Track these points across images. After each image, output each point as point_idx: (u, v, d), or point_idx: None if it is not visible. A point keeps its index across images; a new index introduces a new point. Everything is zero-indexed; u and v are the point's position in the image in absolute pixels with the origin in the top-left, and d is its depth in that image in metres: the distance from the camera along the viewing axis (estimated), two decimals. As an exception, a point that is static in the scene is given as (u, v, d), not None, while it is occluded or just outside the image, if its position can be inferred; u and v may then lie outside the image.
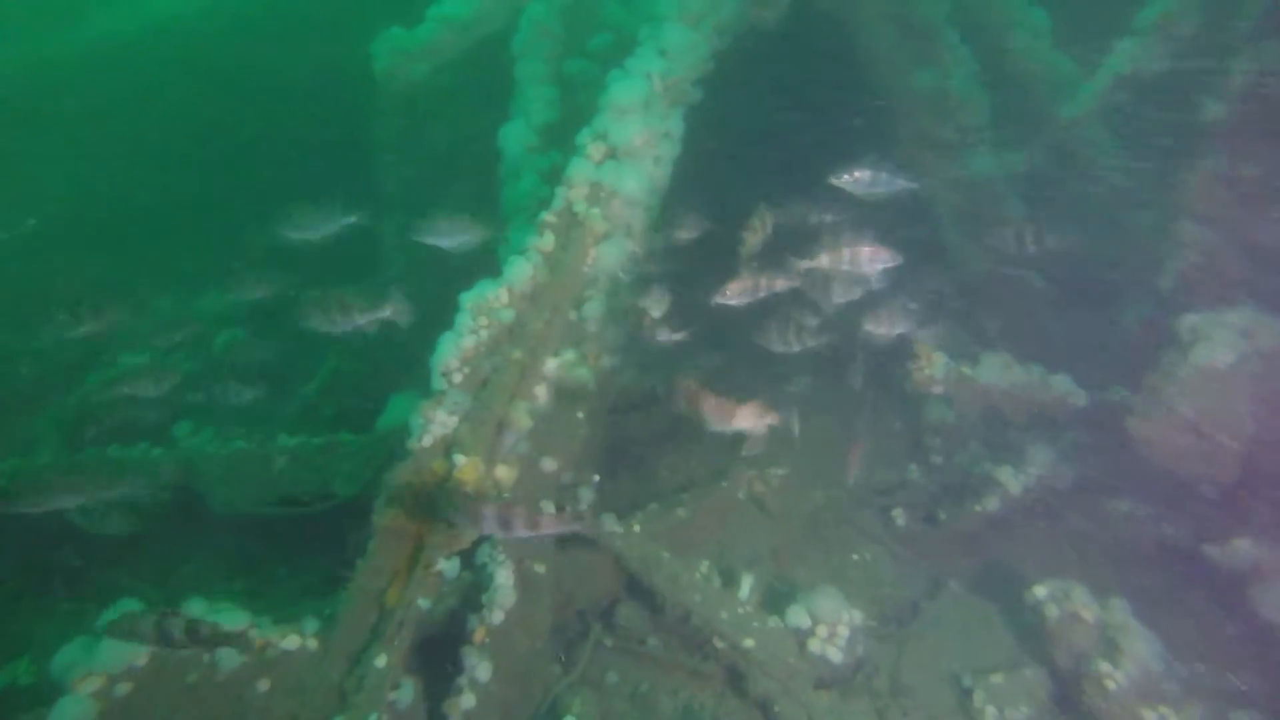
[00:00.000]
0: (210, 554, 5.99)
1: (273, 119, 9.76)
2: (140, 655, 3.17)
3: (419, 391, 5.54)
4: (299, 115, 9.45)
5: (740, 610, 4.06)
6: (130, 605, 3.30)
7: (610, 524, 4.64)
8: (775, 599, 4.20)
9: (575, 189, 4.40)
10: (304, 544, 5.50)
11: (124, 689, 3.13)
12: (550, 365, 4.06)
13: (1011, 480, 4.50)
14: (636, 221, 4.53)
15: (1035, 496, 4.54)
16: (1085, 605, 3.62)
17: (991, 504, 4.51)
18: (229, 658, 3.26)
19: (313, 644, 3.46)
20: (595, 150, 4.51)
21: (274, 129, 9.68)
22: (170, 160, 9.90)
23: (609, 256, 4.35)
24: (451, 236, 5.37)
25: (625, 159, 4.49)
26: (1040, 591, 3.79)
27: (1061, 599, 3.68)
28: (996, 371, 4.49)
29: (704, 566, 4.39)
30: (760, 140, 6.13)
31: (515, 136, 5.79)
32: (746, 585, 4.20)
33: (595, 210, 4.33)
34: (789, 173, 5.47)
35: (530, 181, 5.55)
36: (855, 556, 4.75)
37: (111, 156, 10.55)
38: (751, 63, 5.42)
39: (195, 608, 3.37)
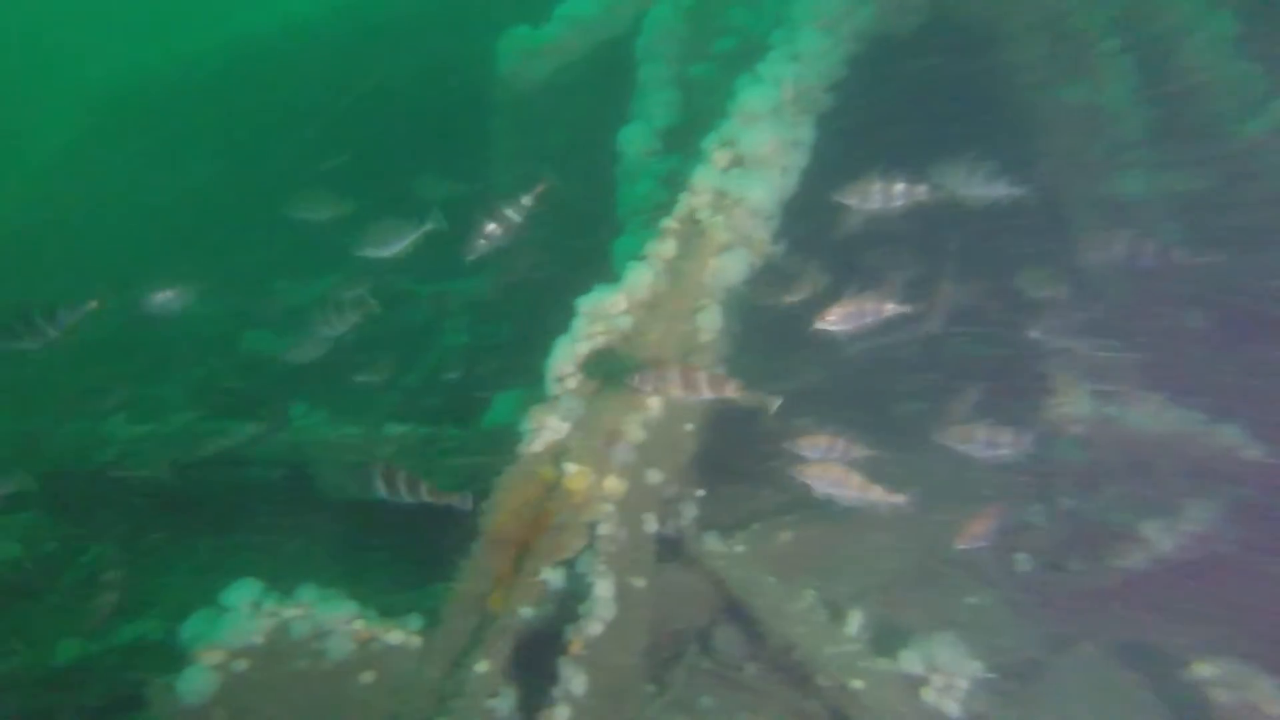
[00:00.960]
0: (314, 533, 6.20)
1: (392, 118, 10.09)
2: (258, 634, 3.24)
3: (524, 390, 5.57)
4: (418, 115, 9.73)
5: (848, 648, 3.84)
6: (250, 585, 3.37)
7: (712, 543, 4.50)
8: (886, 639, 3.95)
9: (699, 196, 4.27)
10: (403, 533, 5.61)
11: (242, 665, 3.20)
12: (667, 377, 3.94)
13: (1161, 536, 4.08)
14: (759, 232, 4.37)
15: (1190, 557, 4.09)
16: (1270, 698, 3.20)
17: (1134, 559, 4.10)
18: (338, 647, 3.29)
19: (415, 641, 3.46)
20: (721, 157, 4.38)
21: (392, 128, 10.00)
22: (295, 154, 10.39)
23: (729, 268, 4.20)
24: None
25: (752, 167, 4.33)
26: (1205, 671, 3.38)
27: (1236, 685, 3.27)
28: (1149, 416, 4.09)
29: (809, 596, 4.19)
30: (887, 154, 5.86)
31: (635, 139, 5.72)
32: (855, 621, 3.97)
33: (719, 219, 4.19)
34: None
35: (648, 185, 5.47)
36: (970, 600, 4.43)
37: (241, 148, 11.18)
38: (883, 73, 5.17)
39: (307, 594, 3.41)
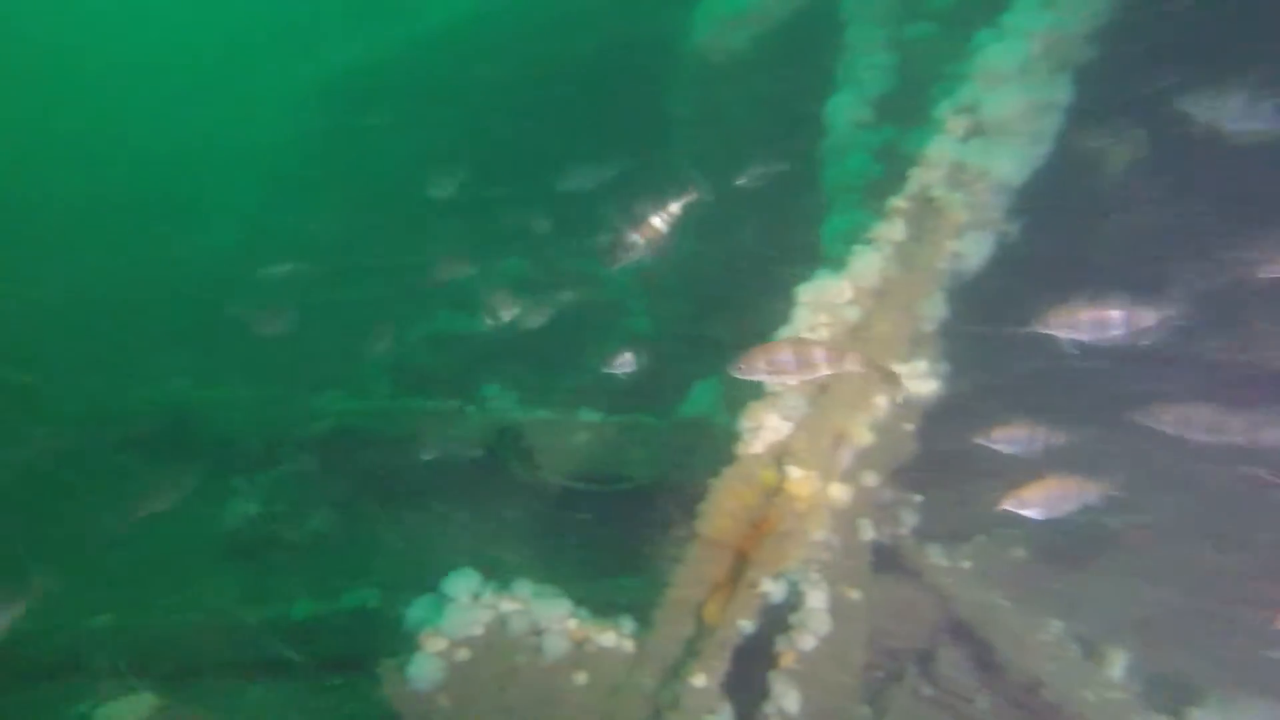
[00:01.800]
0: (506, 514, 6.37)
1: (573, 98, 10.16)
2: (478, 626, 3.25)
3: (722, 381, 5.34)
4: (598, 93, 9.72)
5: (1114, 695, 3.31)
6: (470, 576, 3.39)
7: (935, 556, 4.08)
8: (1160, 690, 3.38)
9: (932, 170, 3.80)
10: (595, 520, 5.61)
11: (463, 655, 3.22)
12: (899, 373, 3.55)
13: None
14: (1000, 210, 3.84)
15: None
16: None
17: None
18: (555, 645, 3.24)
19: (629, 645, 3.35)
20: (958, 125, 3.87)
21: (573, 107, 10.06)
22: (486, 139, 10.76)
23: (970, 252, 3.72)
24: None
25: (996, 136, 3.80)
26: None
27: None
28: None
29: (1055, 626, 3.67)
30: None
31: (843, 109, 5.27)
32: (1119, 664, 3.42)
33: (957, 196, 3.71)
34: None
35: (860, 160, 5.02)
36: (1274, 655, 3.70)
37: (437, 134, 11.73)
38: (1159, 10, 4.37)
39: (523, 589, 3.39)
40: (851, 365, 3.04)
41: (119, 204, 15.97)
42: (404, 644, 3.57)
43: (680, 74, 7.43)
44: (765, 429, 3.45)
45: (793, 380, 3.36)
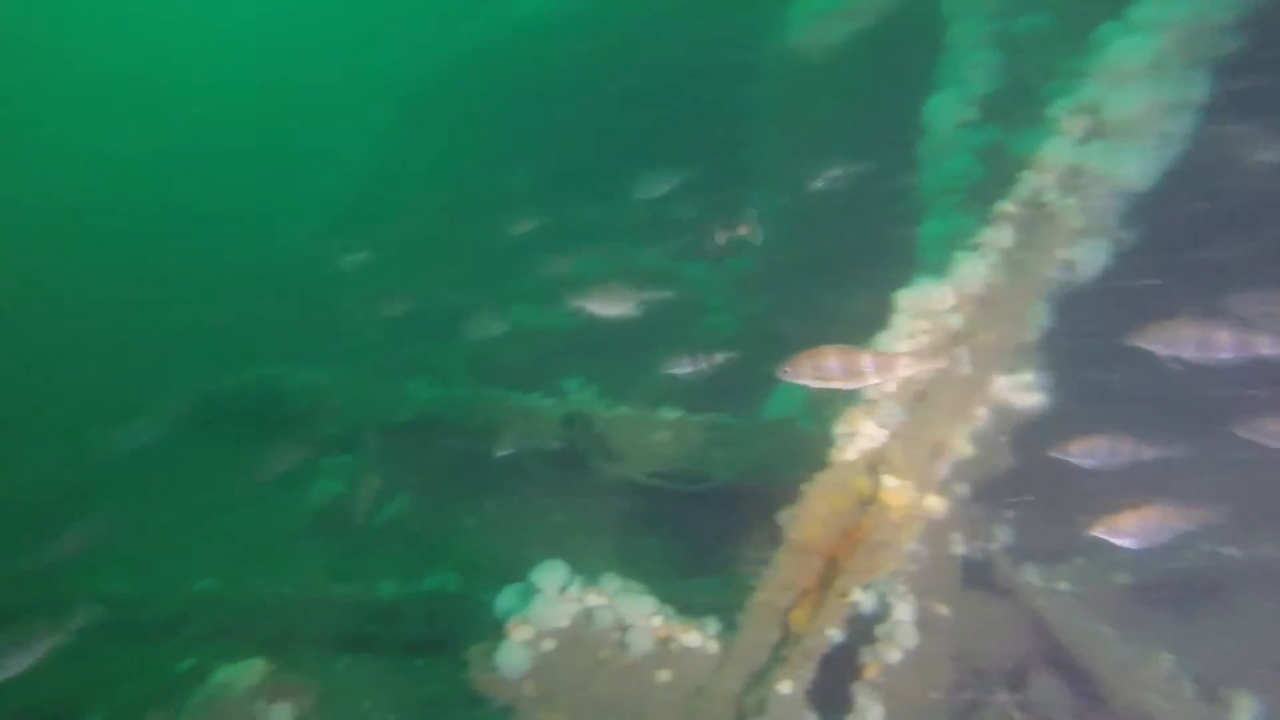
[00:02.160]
0: (583, 507, 6.43)
1: (660, 94, 10.16)
2: (565, 618, 3.28)
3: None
4: (686, 90, 9.71)
5: (1233, 739, 3.11)
6: (557, 568, 3.43)
7: (1030, 575, 3.91)
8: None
9: (1045, 173, 3.63)
10: (675, 518, 5.61)
11: (549, 646, 3.26)
12: (1001, 385, 3.42)
13: None
14: (1119, 216, 3.64)
15: None
16: None
17: None
18: (639, 642, 3.24)
19: (713, 646, 3.33)
20: (1075, 125, 3.69)
21: (660, 104, 10.07)
22: (571, 135, 10.90)
23: (1084, 260, 3.54)
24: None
25: (1119, 137, 3.60)
26: None
27: None
28: None
29: (1165, 661, 3.47)
30: None
31: (945, 109, 5.10)
32: (1246, 709, 3.20)
33: (1072, 201, 3.54)
34: None
35: (961, 161, 4.85)
36: None
37: (520, 125, 11.95)
38: None
39: (609, 584, 3.41)
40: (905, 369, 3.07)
41: (224, 199, 16.90)
42: (489, 631, 3.64)
43: (771, 71, 7.34)
44: (860, 435, 3.37)
45: (881, 386, 3.32)
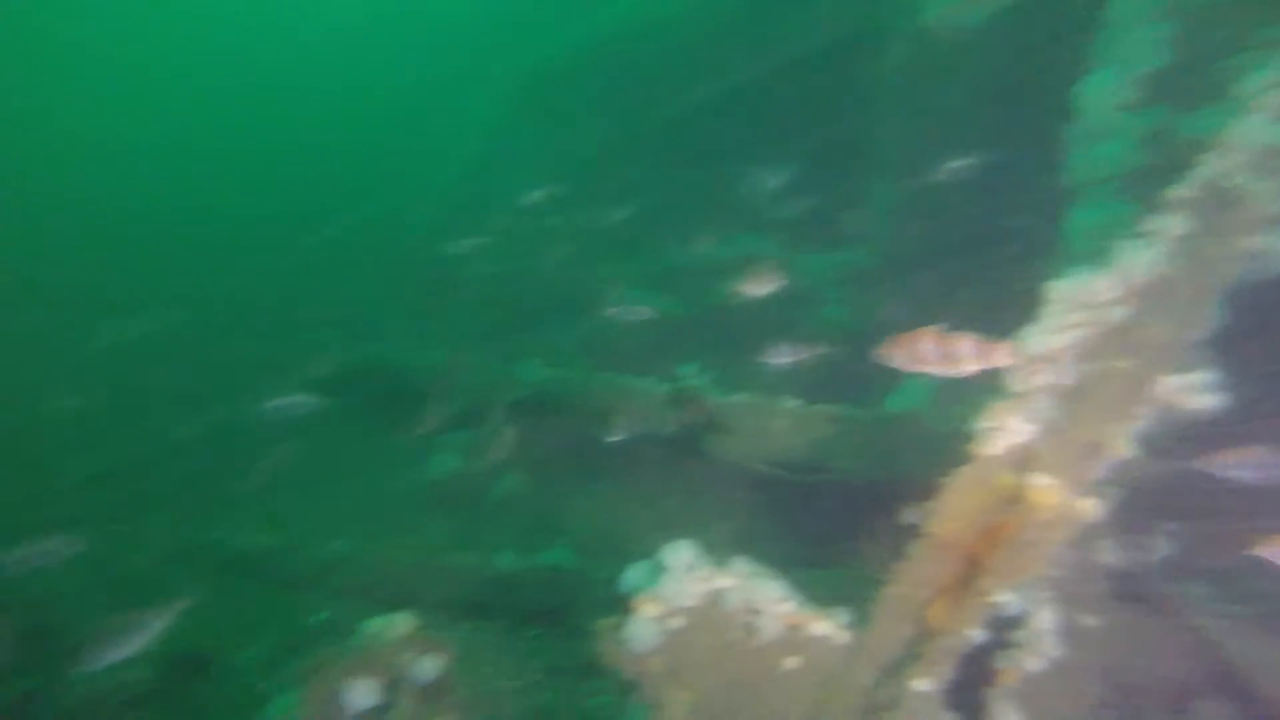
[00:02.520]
0: (694, 495, 6.44)
1: (785, 79, 9.99)
2: (693, 597, 3.29)
3: (934, 377, 5.06)
4: (812, 75, 9.50)
5: None
6: (686, 546, 3.44)
7: (1195, 592, 3.63)
8: None
9: (1232, 155, 3.34)
10: (791, 509, 5.54)
11: (677, 623, 3.28)
12: (1168, 384, 3.18)
13: None
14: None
15: None
16: None
17: None
18: (769, 627, 3.22)
19: (843, 637, 3.26)
20: (1271, 102, 3.37)
21: (784, 90, 9.90)
22: (688, 117, 10.88)
23: (1273, 249, 3.24)
24: None
25: (1321, 115, 3.27)
26: None
27: None
28: None
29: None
30: None
31: (1101, 90, 4.77)
32: None
33: (1264, 185, 3.23)
34: None
35: (1118, 145, 4.52)
36: None
37: (643, 110, 12.01)
38: None
39: (740, 567, 3.39)
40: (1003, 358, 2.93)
41: (351, 191, 17.91)
42: (614, 605, 3.71)
43: (901, 53, 7.07)
44: (1007, 431, 3.21)
45: (1034, 380, 3.17)
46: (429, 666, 2.85)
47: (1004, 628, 3.49)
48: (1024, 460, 3.18)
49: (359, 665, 2.73)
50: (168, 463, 9.19)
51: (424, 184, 16.08)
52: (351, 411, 8.97)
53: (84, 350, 12.24)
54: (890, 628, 3.20)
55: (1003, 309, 3.76)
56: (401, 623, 2.89)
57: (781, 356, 6.53)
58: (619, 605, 3.54)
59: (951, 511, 3.21)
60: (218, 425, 9.72)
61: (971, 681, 3.40)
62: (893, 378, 5.80)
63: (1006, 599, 3.09)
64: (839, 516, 4.70)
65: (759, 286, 5.74)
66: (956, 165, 6.77)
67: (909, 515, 3.96)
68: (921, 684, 3.02)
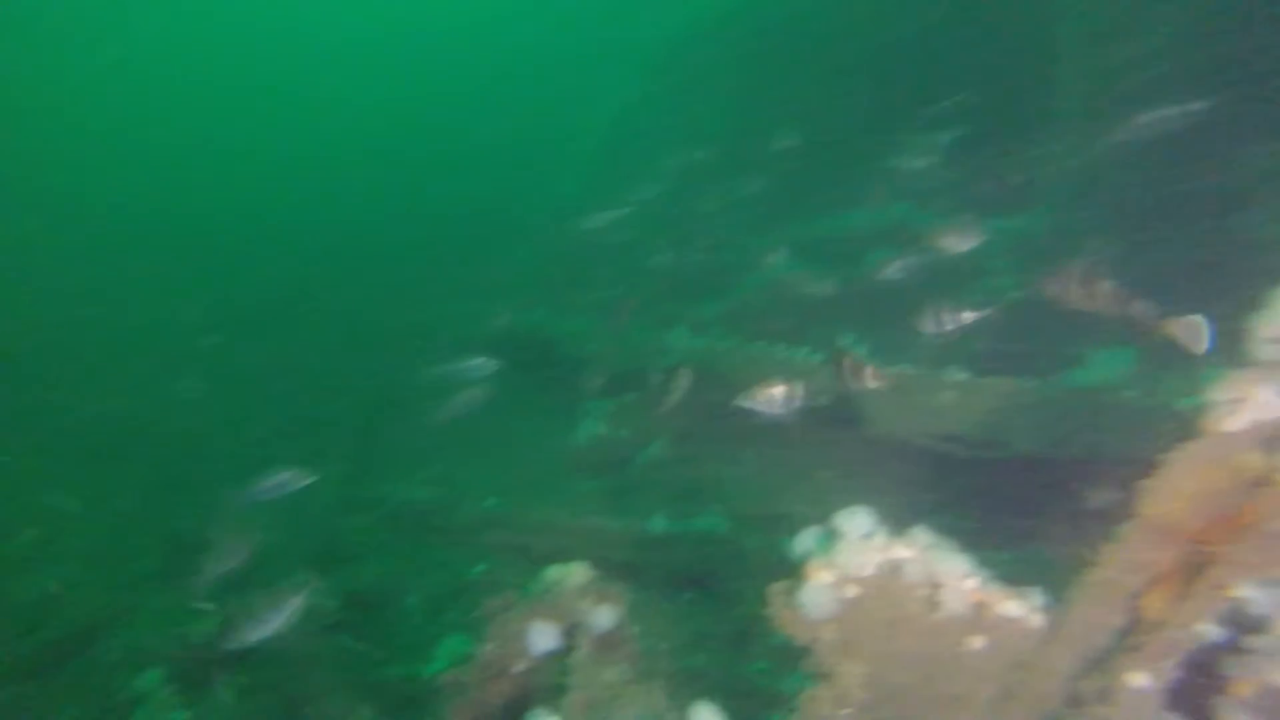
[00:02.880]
0: (849, 468, 6.20)
1: (948, 40, 9.37)
2: (869, 566, 3.14)
3: (1135, 349, 4.59)
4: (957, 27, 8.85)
5: None
6: (861, 513, 3.29)
7: None
8: None
9: None
10: (958, 484, 5.22)
11: (851, 592, 3.15)
12: None
13: None
14: None
15: None
16: None
17: None
18: (952, 602, 3.02)
19: (1036, 619, 3.01)
20: None
21: (947, 51, 9.28)
22: (834, 82, 10.45)
23: None
24: None
25: None
26: None
27: None
28: None
29: None
30: None
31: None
32: None
33: None
34: None
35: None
36: None
37: (787, 78, 11.67)
38: None
39: (920, 538, 3.20)
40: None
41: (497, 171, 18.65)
42: (782, 571, 3.62)
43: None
44: (1251, 403, 2.82)
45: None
46: (604, 616, 2.88)
47: (1243, 628, 3.10)
48: (1276, 438, 2.79)
49: (540, 609, 2.79)
50: (340, 421, 9.94)
51: (568, 156, 16.42)
52: (504, 377, 9.33)
53: (269, 321, 13.55)
54: (1095, 614, 2.92)
55: (1218, 276, 3.32)
56: (579, 571, 2.93)
57: (943, 325, 6.14)
58: (789, 570, 3.45)
59: (1172, 492, 2.87)
60: (380, 388, 10.42)
61: (1197, 684, 3.05)
62: (1075, 350, 5.32)
63: (1249, 595, 2.73)
64: (1018, 494, 4.37)
65: (958, 242, 5.35)
66: (1144, 122, 6.07)
67: (1103, 495, 3.60)
68: (1138, 679, 2.74)
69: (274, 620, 4.33)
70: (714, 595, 5.14)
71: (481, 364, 6.84)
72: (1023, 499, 4.29)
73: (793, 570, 3.45)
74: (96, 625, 6.38)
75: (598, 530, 5.88)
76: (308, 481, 5.05)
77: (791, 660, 4.04)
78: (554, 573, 2.95)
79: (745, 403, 6.32)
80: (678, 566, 5.39)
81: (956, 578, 3.13)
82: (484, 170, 20.02)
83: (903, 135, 8.81)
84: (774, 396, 6.41)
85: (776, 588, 3.35)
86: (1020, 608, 3.06)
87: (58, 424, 10.53)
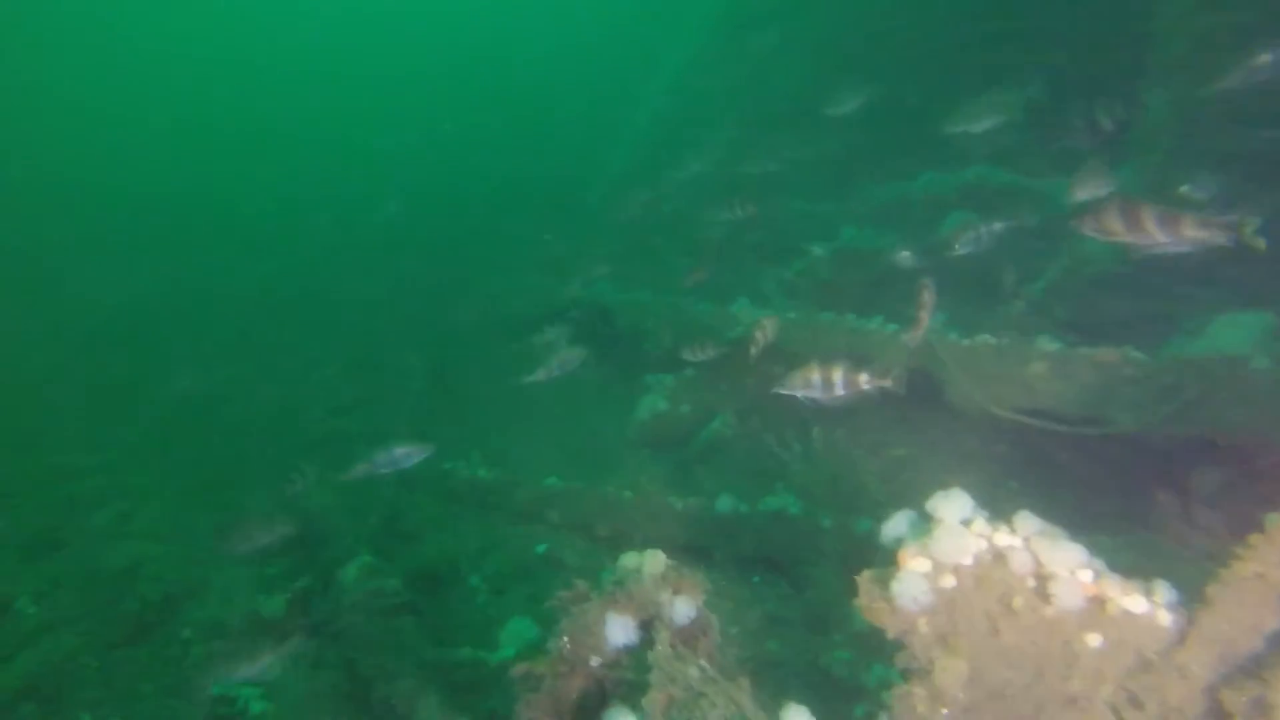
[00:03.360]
0: (925, 444, 5.87)
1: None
2: (968, 555, 2.87)
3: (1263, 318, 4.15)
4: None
5: None
6: (958, 496, 3.02)
7: None
8: None
9: None
10: (1050, 463, 4.86)
11: (948, 582, 2.88)
12: None
13: None
14: None
15: None
16: None
17: None
18: (1065, 595, 2.73)
19: (1164, 617, 2.70)
20: None
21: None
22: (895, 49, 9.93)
23: None
24: None
25: None
26: None
27: None
28: None
29: None
30: None
31: None
32: None
33: None
34: None
35: None
36: None
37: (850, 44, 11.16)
38: None
39: (1025, 524, 2.91)
40: None
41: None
42: (858, 555, 3.38)
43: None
44: None
45: None
46: (684, 608, 2.68)
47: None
48: None
49: (618, 600, 2.61)
50: (402, 396, 9.98)
51: (622, 131, 16.15)
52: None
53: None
54: (1241, 614, 2.60)
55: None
56: (656, 560, 2.73)
57: (1027, 291, 5.73)
58: (871, 555, 3.20)
59: (1333, 474, 2.51)
60: (437, 363, 10.43)
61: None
62: (1182, 317, 4.87)
63: None
64: (1123, 476, 4.00)
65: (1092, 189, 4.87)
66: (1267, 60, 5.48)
67: (1221, 476, 3.23)
68: (1297, 690, 2.42)
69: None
70: (785, 577, 4.91)
71: (564, 349, 6.72)
72: (1128, 481, 3.93)
73: (880, 556, 3.20)
74: (172, 598, 6.52)
75: (662, 510, 5.70)
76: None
77: (876, 651, 3.80)
78: (630, 560, 2.75)
79: (784, 390, 5.82)
80: (746, 547, 5.17)
81: (1070, 568, 2.84)
82: (550, 148, 19.92)
83: (969, 96, 8.28)
84: (813, 381, 5.97)
85: (866, 576, 3.11)
86: (1144, 603, 2.76)
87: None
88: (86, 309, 14.82)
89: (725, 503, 5.37)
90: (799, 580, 4.83)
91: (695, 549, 5.35)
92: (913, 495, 4.31)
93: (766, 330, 5.48)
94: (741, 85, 13.72)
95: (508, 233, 14.29)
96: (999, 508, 4.22)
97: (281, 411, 10.37)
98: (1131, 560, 3.29)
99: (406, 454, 5.16)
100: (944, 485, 4.42)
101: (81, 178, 22.93)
